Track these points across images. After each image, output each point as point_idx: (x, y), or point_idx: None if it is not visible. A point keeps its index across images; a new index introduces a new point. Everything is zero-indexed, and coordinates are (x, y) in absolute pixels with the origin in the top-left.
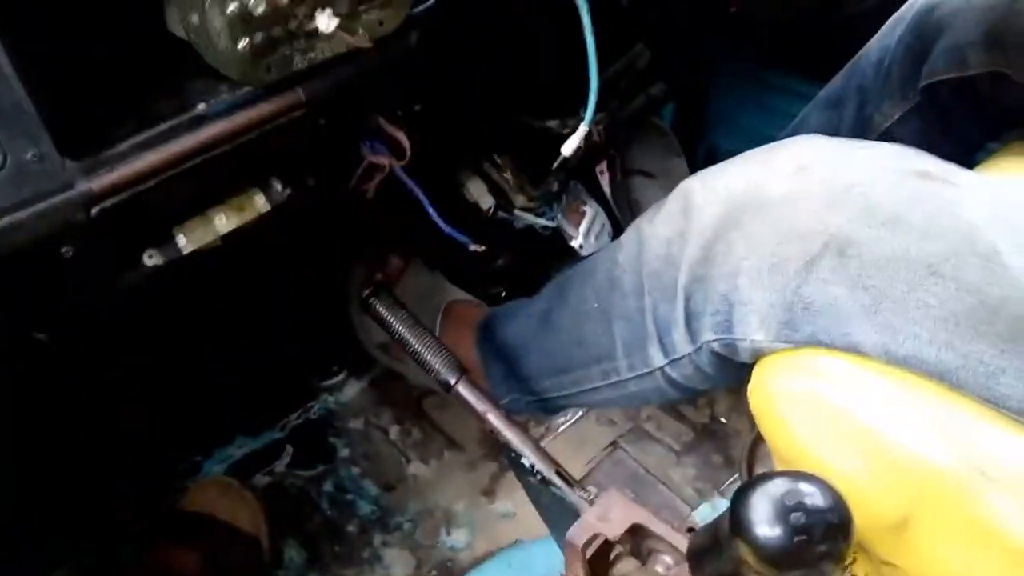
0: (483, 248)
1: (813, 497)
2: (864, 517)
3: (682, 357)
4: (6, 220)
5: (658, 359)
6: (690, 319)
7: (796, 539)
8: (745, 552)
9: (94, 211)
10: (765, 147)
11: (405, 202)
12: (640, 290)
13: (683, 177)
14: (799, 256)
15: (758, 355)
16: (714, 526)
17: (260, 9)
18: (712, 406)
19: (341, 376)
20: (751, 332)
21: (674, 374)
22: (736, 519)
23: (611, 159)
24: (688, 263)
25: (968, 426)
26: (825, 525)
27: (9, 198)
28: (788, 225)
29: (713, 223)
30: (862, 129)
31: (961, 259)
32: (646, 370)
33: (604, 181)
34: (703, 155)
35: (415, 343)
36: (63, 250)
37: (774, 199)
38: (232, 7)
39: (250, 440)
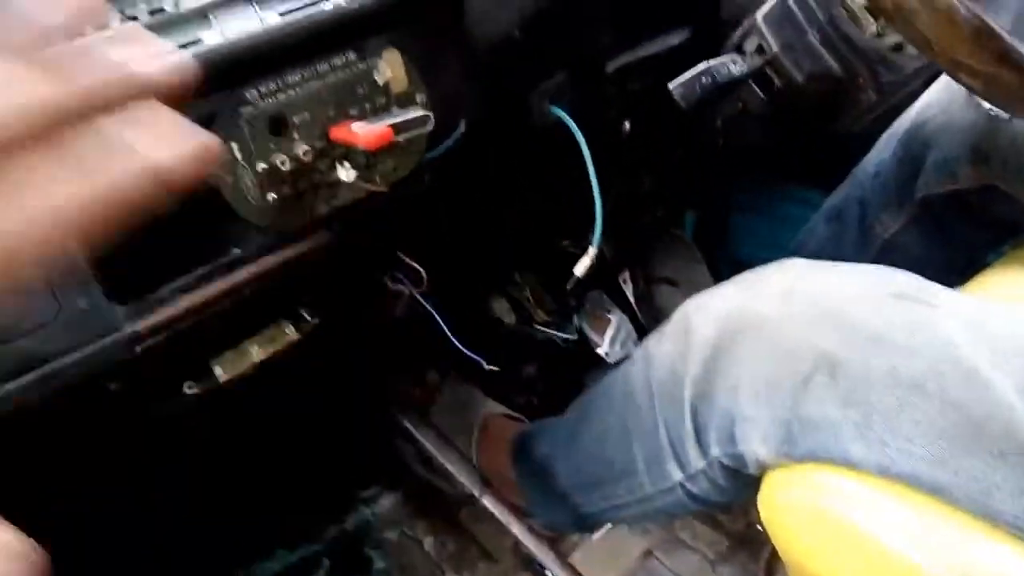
0: (497, 368)
1: None
2: None
3: (697, 472)
4: (59, 362)
5: (676, 474)
6: (699, 433)
7: None
8: None
9: (138, 350)
10: (753, 271)
11: (430, 322)
12: (652, 406)
13: (706, 284)
14: (792, 375)
15: (763, 468)
16: None
17: (287, 167)
18: (747, 513)
19: (378, 488)
20: (754, 446)
21: (693, 488)
22: None
23: (634, 268)
24: (692, 379)
25: (964, 539)
26: None
27: (62, 343)
28: (779, 346)
29: (711, 343)
30: (864, 240)
31: (944, 377)
32: (666, 485)
33: (628, 289)
34: (726, 263)
35: (442, 458)
36: (111, 386)
37: (764, 321)
38: (261, 166)
39: (288, 553)
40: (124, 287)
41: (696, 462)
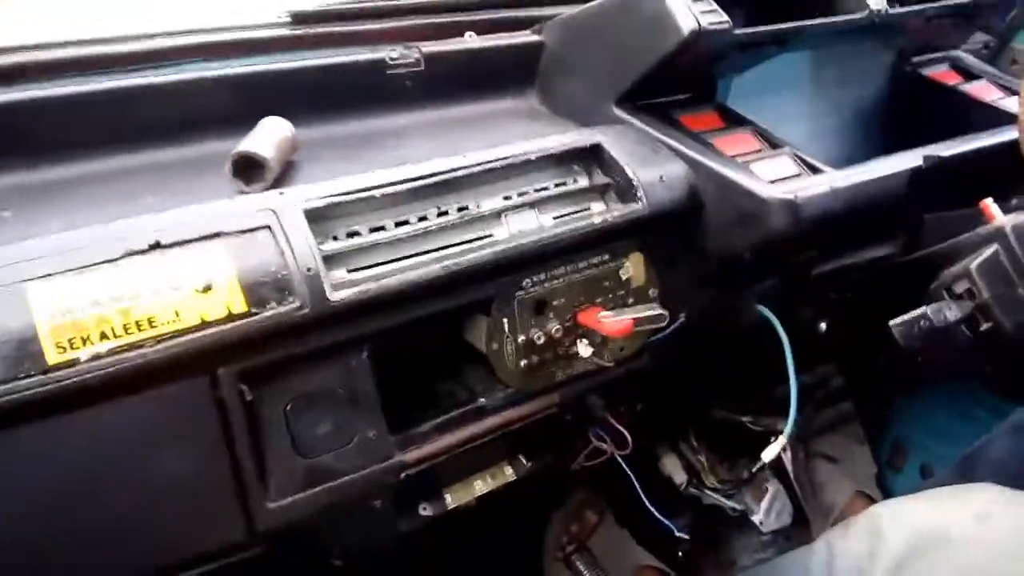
0: (687, 537)
1: None
2: None
3: None
4: (344, 480)
5: None
6: None
7: None
8: None
9: (403, 475)
10: (949, 489)
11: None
12: None
13: (866, 465)
14: None
15: None
16: None
17: (540, 341)
18: None
19: None
20: None
21: None
22: None
23: (795, 440)
24: None
25: None
26: None
27: (350, 465)
28: (971, 567)
29: (900, 550)
30: None
31: None
32: None
33: (787, 459)
34: (888, 445)
35: None
36: (376, 503)
37: (957, 540)
38: (522, 339)
39: None
40: (397, 420)
41: None
